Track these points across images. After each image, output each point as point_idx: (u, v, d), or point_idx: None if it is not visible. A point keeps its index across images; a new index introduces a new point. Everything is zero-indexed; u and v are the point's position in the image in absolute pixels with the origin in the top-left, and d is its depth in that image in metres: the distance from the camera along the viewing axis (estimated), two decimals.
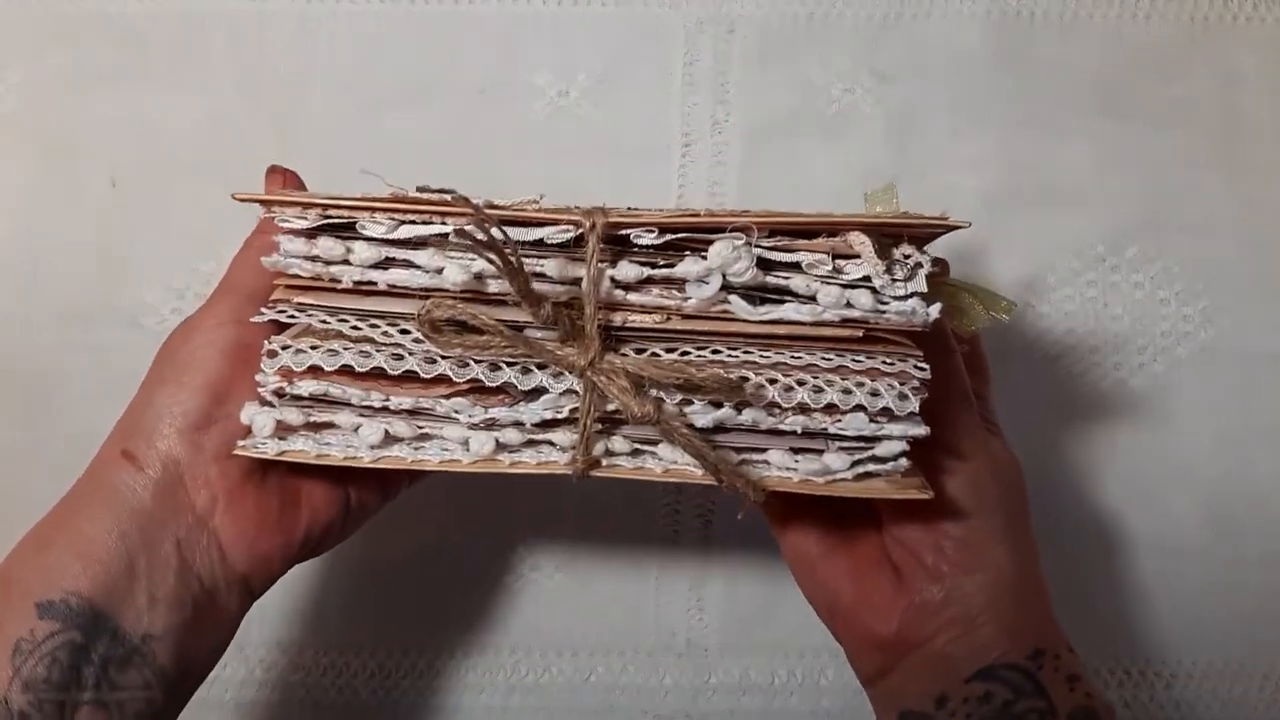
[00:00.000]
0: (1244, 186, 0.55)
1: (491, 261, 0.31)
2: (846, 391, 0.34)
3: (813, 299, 0.33)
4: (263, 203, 0.35)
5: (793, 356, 0.34)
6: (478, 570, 0.53)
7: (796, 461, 0.35)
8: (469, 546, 0.53)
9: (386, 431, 0.35)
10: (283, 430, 0.36)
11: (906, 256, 0.34)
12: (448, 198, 0.33)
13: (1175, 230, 0.55)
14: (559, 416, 0.35)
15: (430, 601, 0.53)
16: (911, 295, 0.33)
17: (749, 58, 0.56)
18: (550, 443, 0.36)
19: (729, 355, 0.34)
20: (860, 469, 0.35)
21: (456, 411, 0.35)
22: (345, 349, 0.34)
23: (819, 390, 0.34)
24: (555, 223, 0.33)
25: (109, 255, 0.56)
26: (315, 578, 0.53)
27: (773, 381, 0.34)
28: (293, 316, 0.35)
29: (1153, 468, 0.53)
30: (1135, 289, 0.55)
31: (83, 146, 0.56)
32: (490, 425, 0.35)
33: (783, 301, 0.34)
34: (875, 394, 0.34)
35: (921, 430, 0.34)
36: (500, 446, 0.35)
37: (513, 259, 0.32)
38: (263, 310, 0.35)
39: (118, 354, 0.55)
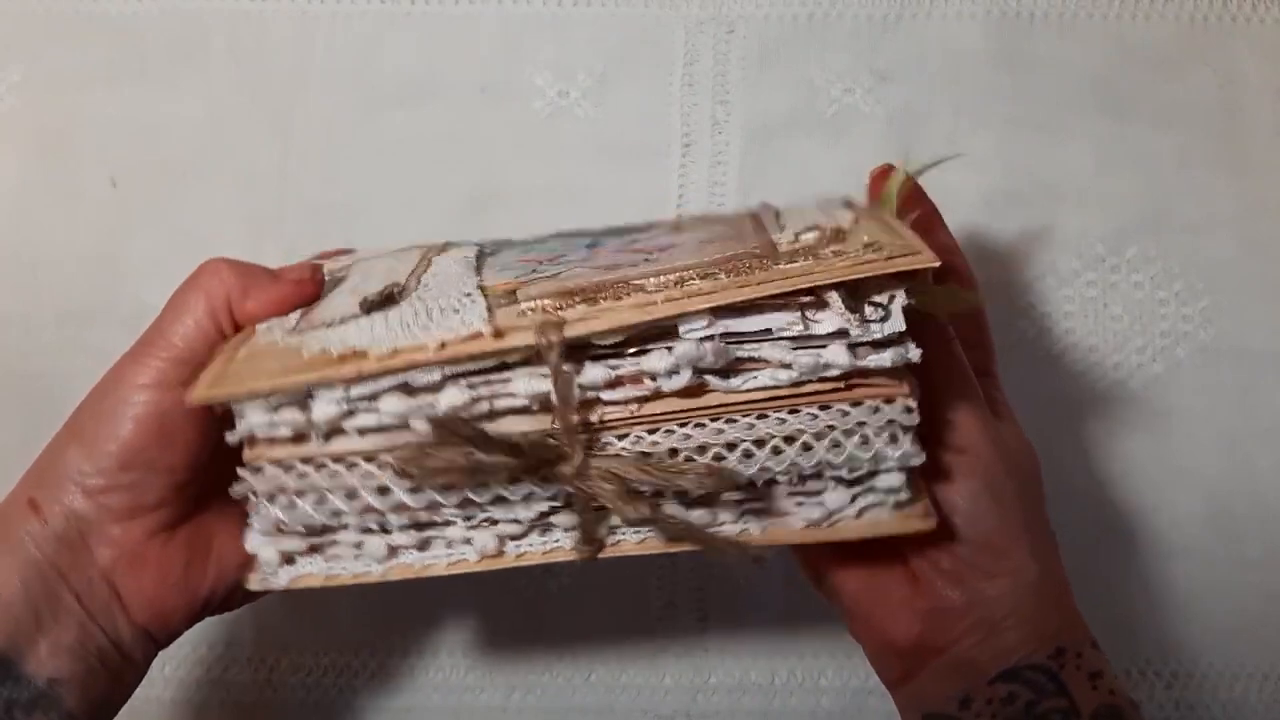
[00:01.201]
0: (1244, 186, 0.55)
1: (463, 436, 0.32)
2: (836, 445, 0.33)
3: (788, 366, 0.33)
4: (221, 401, 0.33)
5: (777, 418, 0.34)
6: (478, 570, 0.53)
7: (798, 505, 0.35)
8: None
9: (389, 545, 0.36)
10: (286, 558, 0.36)
11: (879, 302, 0.33)
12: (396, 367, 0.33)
13: (1175, 230, 0.55)
14: (555, 506, 0.35)
15: (430, 601, 0.53)
16: (889, 341, 0.33)
17: (749, 58, 0.56)
18: (553, 524, 0.36)
19: (713, 427, 0.34)
20: (862, 502, 0.35)
21: (453, 517, 0.35)
22: (330, 493, 0.34)
23: (808, 448, 0.33)
24: (510, 352, 0.33)
25: (109, 255, 0.56)
26: None
27: (760, 444, 0.33)
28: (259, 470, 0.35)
29: (1153, 468, 0.53)
30: (1135, 289, 0.55)
31: (82, 146, 0.56)
32: (491, 522, 0.35)
33: (760, 367, 0.33)
34: (865, 441, 0.33)
35: (919, 459, 0.34)
36: (503, 539, 0.36)
37: (474, 434, 0.32)
38: (237, 480, 0.34)
39: (117, 354, 0.54)
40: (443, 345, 0.32)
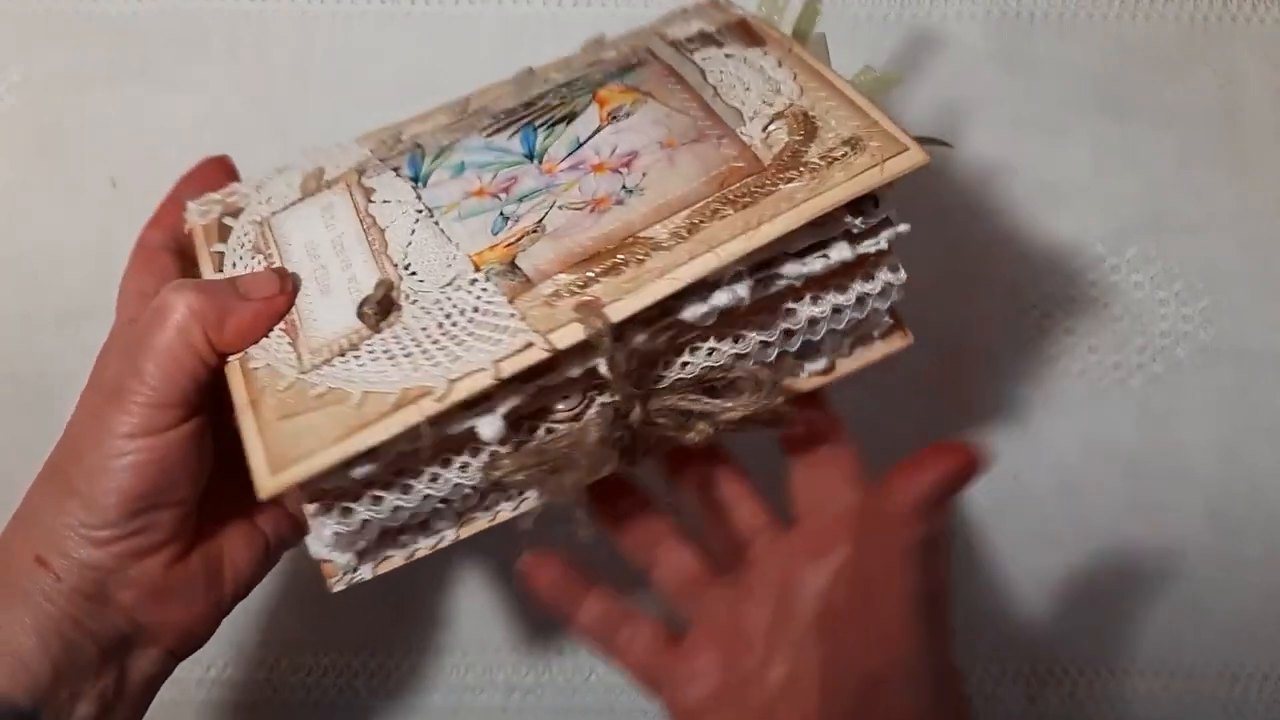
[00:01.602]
0: (1244, 186, 0.55)
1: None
2: (843, 314, 0.38)
3: (803, 271, 0.36)
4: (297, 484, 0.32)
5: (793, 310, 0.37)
6: (479, 570, 0.53)
7: (804, 364, 0.39)
8: (469, 546, 0.53)
9: (456, 513, 0.37)
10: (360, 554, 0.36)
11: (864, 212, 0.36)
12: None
13: (1175, 230, 0.55)
14: None
15: (430, 601, 0.53)
16: (881, 226, 0.36)
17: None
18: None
19: (748, 338, 0.37)
20: (851, 342, 0.40)
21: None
22: (401, 504, 0.35)
23: (817, 323, 0.38)
24: (566, 362, 0.33)
25: (109, 255, 0.55)
26: (315, 578, 0.53)
27: (788, 334, 0.38)
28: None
29: (1153, 468, 0.53)
30: (1135, 289, 0.55)
31: (82, 146, 0.56)
32: None
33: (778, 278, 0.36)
34: (863, 302, 0.38)
35: (900, 282, 0.37)
36: None
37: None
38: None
39: None
40: (499, 366, 0.32)
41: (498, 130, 0.40)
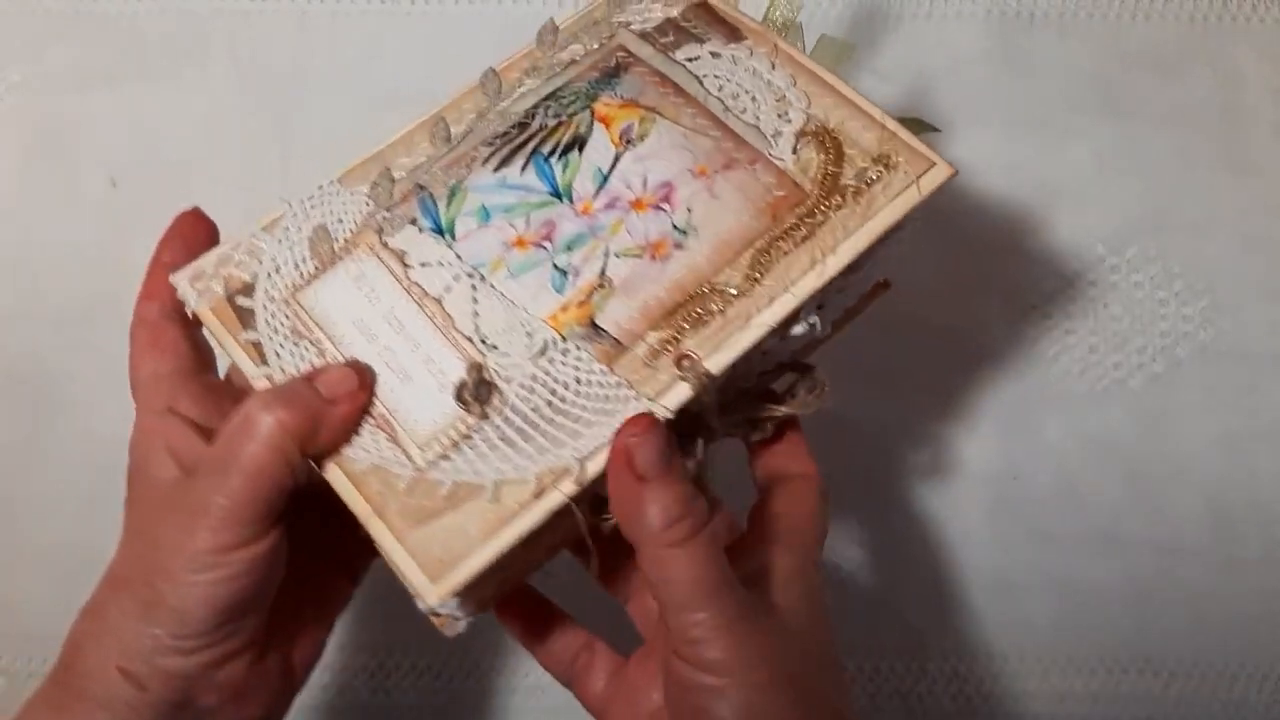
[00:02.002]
0: (1244, 186, 0.55)
1: None
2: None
3: None
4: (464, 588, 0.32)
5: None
6: None
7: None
8: None
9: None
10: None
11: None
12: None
13: (1175, 230, 0.55)
14: None
15: None
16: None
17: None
18: None
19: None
20: None
21: None
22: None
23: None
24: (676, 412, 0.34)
25: (109, 255, 0.56)
26: None
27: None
28: None
29: (1153, 468, 0.53)
30: (1135, 289, 0.55)
31: (82, 146, 0.56)
32: None
33: None
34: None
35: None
36: None
37: None
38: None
39: (117, 354, 0.55)
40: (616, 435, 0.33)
41: (502, 161, 0.39)
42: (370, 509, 0.33)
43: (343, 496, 0.34)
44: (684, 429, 0.35)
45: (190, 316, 0.37)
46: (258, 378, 0.35)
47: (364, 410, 0.35)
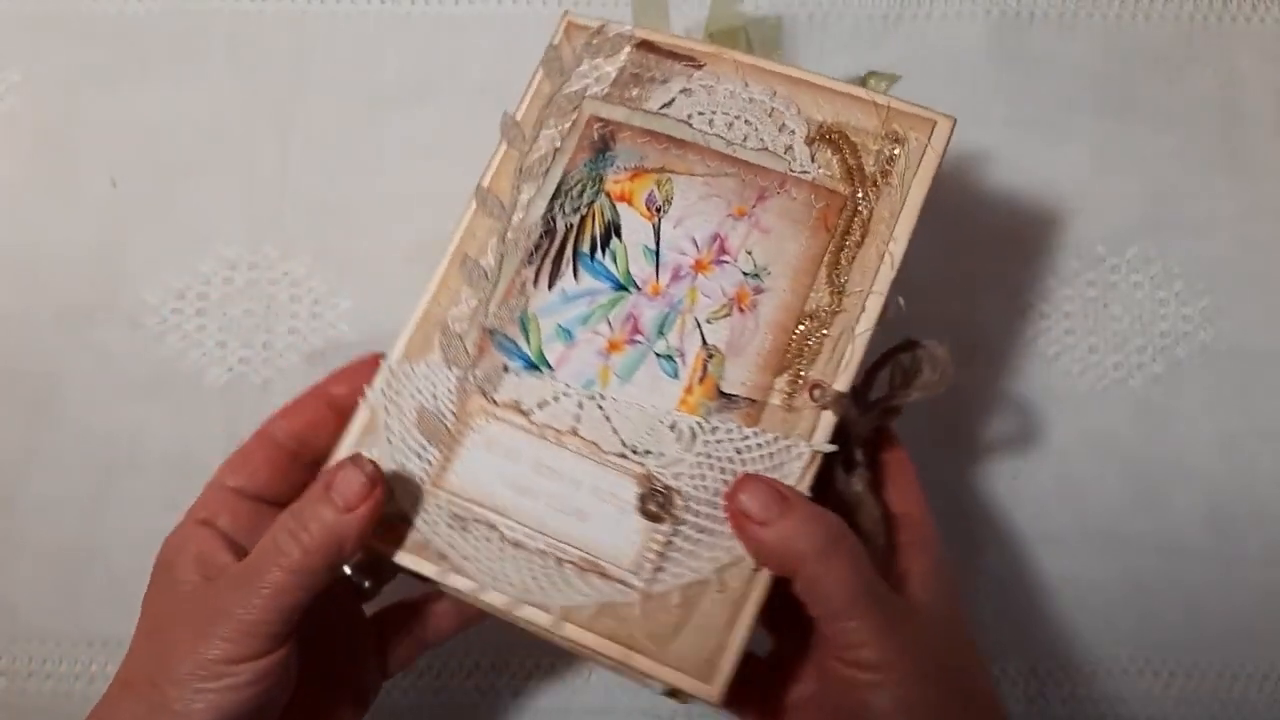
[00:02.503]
0: (1244, 186, 0.55)
1: None
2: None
3: None
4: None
5: None
6: None
7: None
8: None
9: None
10: None
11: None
12: None
13: (1175, 230, 0.55)
14: None
15: None
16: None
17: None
18: None
19: None
20: None
21: None
22: None
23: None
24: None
25: (109, 255, 0.56)
26: None
27: None
28: None
29: (1153, 468, 0.53)
30: (1135, 289, 0.55)
31: (82, 146, 0.56)
32: None
33: None
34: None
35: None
36: None
37: None
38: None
39: (117, 354, 0.55)
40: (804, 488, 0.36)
41: (551, 276, 0.39)
42: (621, 648, 0.35)
43: (588, 648, 0.35)
44: (836, 441, 0.37)
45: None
46: (456, 587, 0.36)
47: (382, 503, 0.35)
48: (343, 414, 0.39)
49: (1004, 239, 0.55)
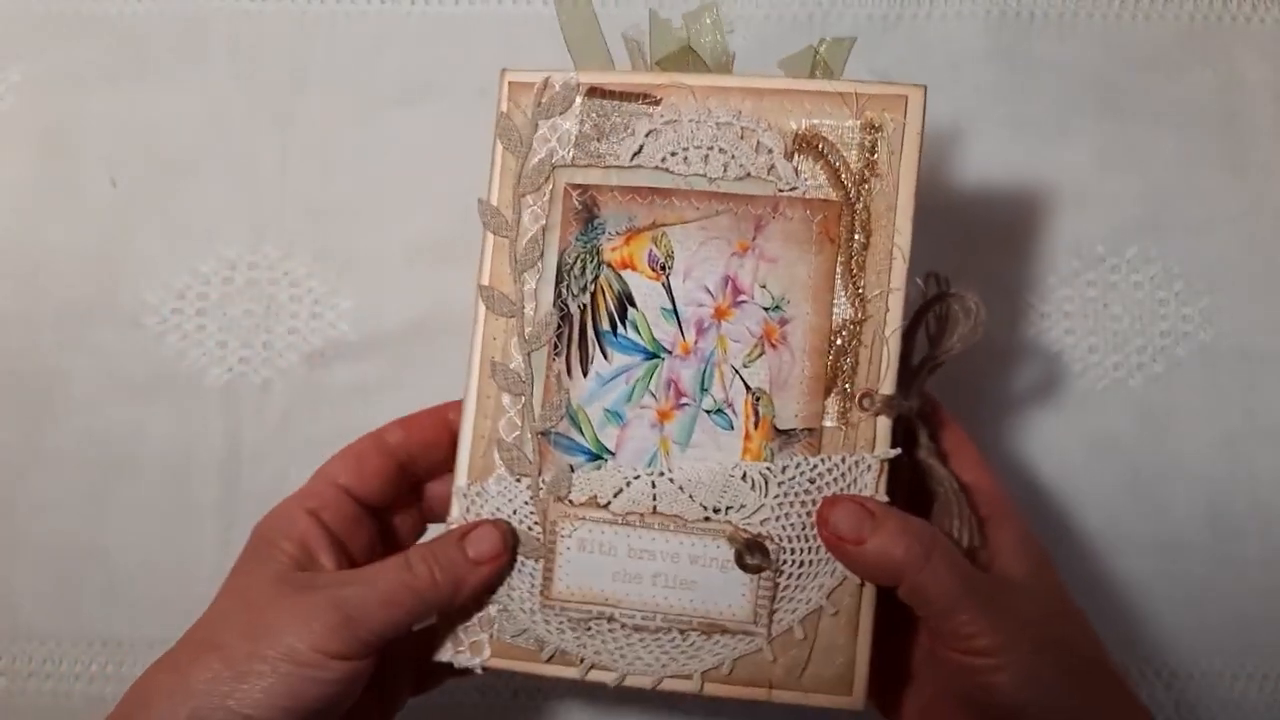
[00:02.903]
0: (1244, 186, 0.55)
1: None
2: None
3: None
4: None
5: None
6: None
7: None
8: None
9: None
10: None
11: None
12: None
13: (1175, 230, 0.55)
14: None
15: None
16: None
17: (749, 58, 0.56)
18: None
19: None
20: None
21: None
22: None
23: None
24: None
25: (109, 255, 0.56)
26: None
27: None
28: None
29: (1153, 468, 0.53)
30: (1135, 289, 0.55)
31: (82, 146, 0.56)
32: None
33: None
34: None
35: None
36: None
37: None
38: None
39: (118, 354, 0.55)
40: (883, 494, 0.38)
41: (581, 362, 0.39)
42: (764, 691, 0.37)
43: (733, 699, 0.38)
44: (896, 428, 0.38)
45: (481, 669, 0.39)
46: (600, 681, 0.38)
47: (504, 569, 0.38)
48: (455, 440, 0.40)
49: (1004, 238, 0.55)
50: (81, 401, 0.54)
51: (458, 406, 0.40)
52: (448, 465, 0.40)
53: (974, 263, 0.54)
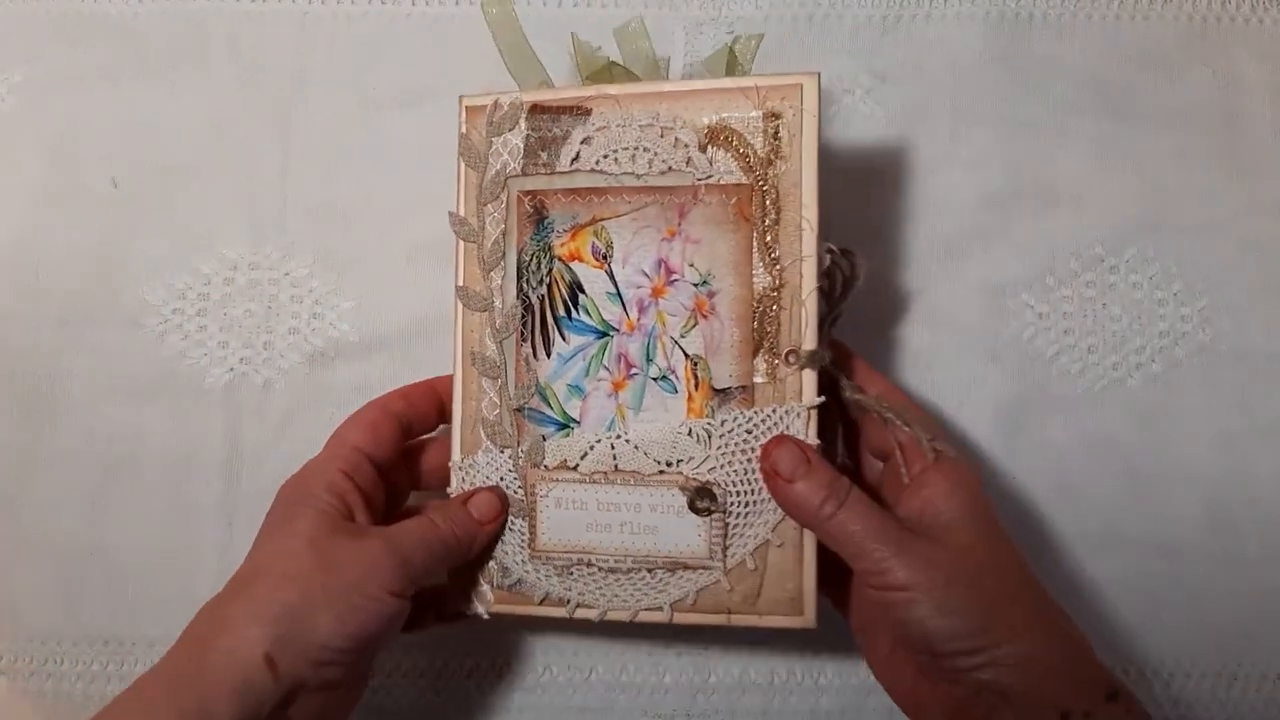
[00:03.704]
0: (1242, 187, 0.55)
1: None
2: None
3: None
4: None
5: None
6: None
7: None
8: None
9: None
10: None
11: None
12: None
13: (1174, 231, 0.55)
14: None
15: None
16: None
17: (748, 59, 0.56)
18: None
19: None
20: None
21: None
22: None
23: None
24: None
25: (110, 255, 0.56)
26: None
27: None
28: None
29: (1152, 468, 0.53)
30: (1134, 289, 0.55)
31: (84, 147, 0.56)
32: None
33: None
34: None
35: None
36: None
37: None
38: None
39: (118, 354, 0.55)
40: (811, 439, 0.42)
41: (544, 346, 0.45)
42: (724, 616, 0.43)
43: (699, 625, 0.43)
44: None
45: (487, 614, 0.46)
46: (585, 618, 0.45)
47: (503, 527, 0.45)
48: (442, 408, 0.47)
49: (1002, 239, 0.55)
50: (83, 401, 0.54)
51: (443, 379, 0.46)
52: (433, 427, 0.47)
53: (972, 263, 0.55)
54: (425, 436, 0.48)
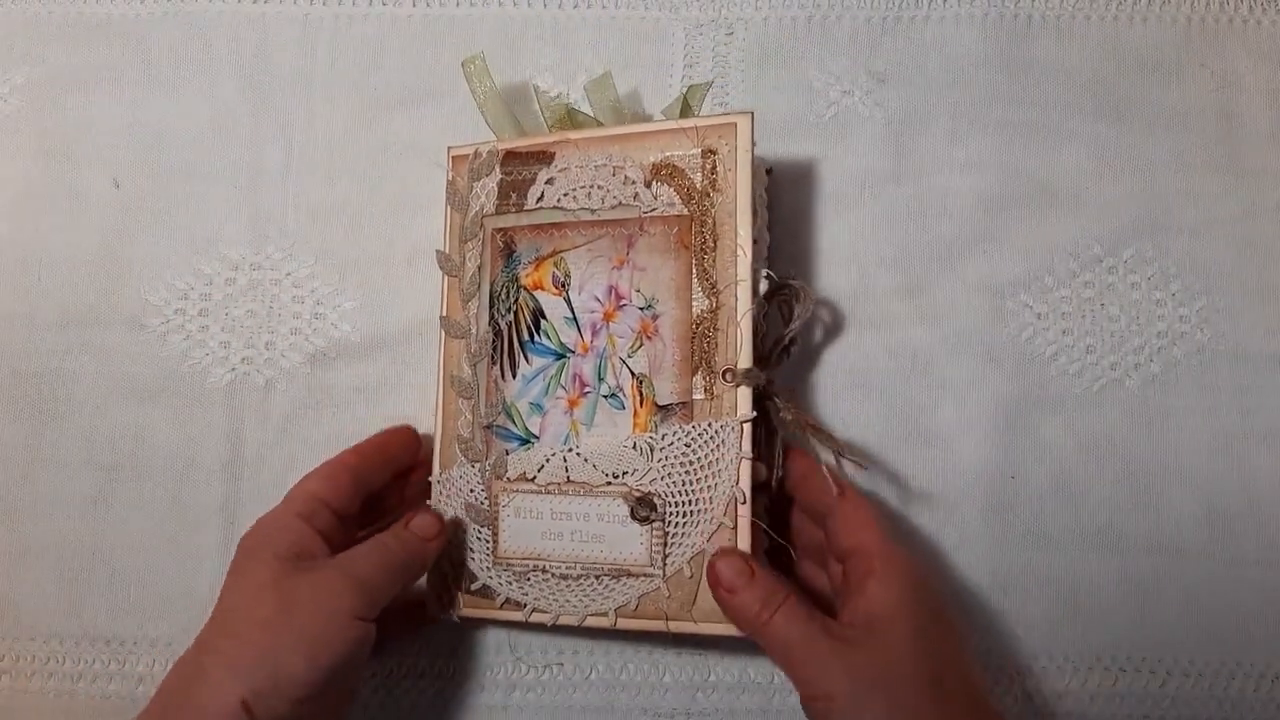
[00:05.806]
0: (1241, 188, 0.55)
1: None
2: None
3: None
4: None
5: None
6: None
7: None
8: None
9: None
10: None
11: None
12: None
13: (1172, 232, 0.55)
14: None
15: None
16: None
17: (748, 61, 0.57)
18: None
19: None
20: None
21: None
22: None
23: None
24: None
25: (111, 256, 0.56)
26: None
27: None
28: None
29: (1150, 468, 0.53)
30: (1132, 290, 0.55)
31: (86, 148, 0.57)
32: None
33: None
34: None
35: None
36: None
37: None
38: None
39: (120, 355, 0.55)
40: (747, 453, 0.44)
41: (510, 368, 0.48)
42: (661, 622, 0.45)
43: (639, 631, 0.46)
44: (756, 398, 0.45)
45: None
46: (538, 621, 0.47)
47: (445, 544, 0.48)
48: (392, 464, 0.50)
49: (1001, 240, 0.55)
50: (85, 402, 0.55)
51: (398, 431, 0.51)
52: (385, 479, 0.50)
53: (971, 263, 0.55)
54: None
